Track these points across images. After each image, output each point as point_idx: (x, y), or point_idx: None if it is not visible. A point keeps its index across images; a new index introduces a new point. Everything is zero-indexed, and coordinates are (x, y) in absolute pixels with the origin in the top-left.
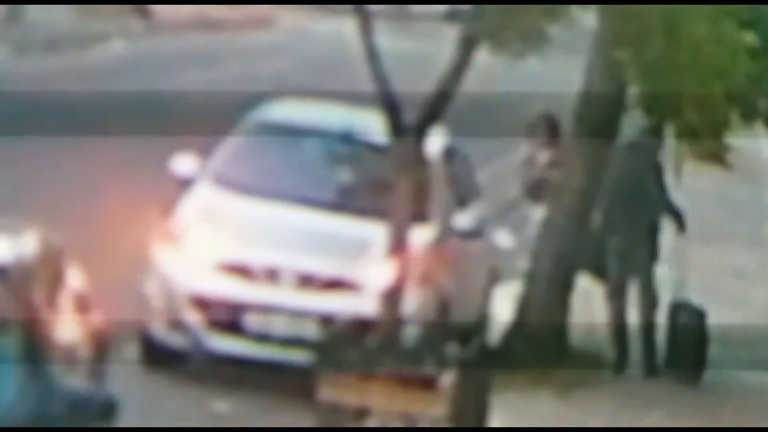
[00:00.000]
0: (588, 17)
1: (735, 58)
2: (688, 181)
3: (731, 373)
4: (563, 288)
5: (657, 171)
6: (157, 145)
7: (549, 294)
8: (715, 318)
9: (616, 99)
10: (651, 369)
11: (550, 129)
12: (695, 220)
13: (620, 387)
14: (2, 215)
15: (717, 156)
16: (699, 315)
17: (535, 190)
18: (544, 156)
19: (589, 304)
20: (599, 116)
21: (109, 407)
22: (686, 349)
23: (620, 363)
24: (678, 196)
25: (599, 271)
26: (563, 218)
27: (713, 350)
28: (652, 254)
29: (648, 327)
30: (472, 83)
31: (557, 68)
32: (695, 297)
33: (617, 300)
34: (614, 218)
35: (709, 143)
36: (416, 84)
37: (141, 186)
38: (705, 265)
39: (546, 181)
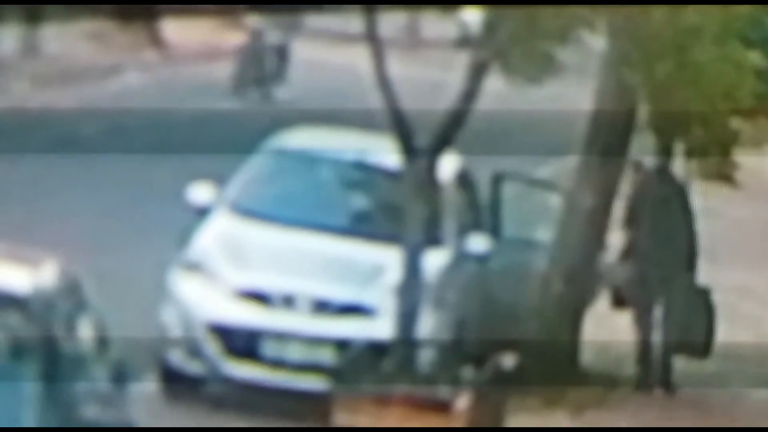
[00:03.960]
0: (597, 40)
1: (741, 77)
2: (695, 200)
3: (744, 392)
4: (576, 308)
5: (682, 196)
6: (174, 172)
7: (562, 314)
8: (724, 337)
9: (626, 119)
10: (668, 387)
11: None
12: (703, 239)
13: (634, 407)
14: (20, 244)
15: (725, 175)
16: (704, 291)
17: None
18: None
19: (603, 322)
20: (610, 136)
21: None
22: (695, 324)
23: (644, 382)
24: None
25: (620, 296)
26: (575, 238)
27: (724, 368)
28: (688, 282)
29: (667, 347)
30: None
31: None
32: None
33: (644, 323)
34: (645, 247)
35: (717, 162)
36: (428, 110)
37: (159, 213)
38: (713, 284)
39: None
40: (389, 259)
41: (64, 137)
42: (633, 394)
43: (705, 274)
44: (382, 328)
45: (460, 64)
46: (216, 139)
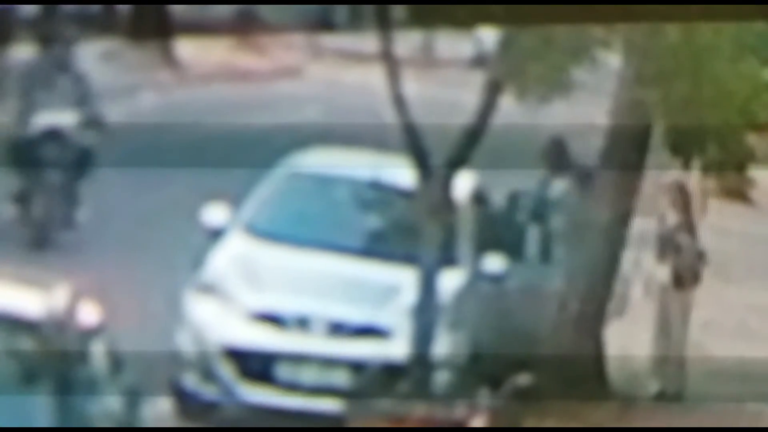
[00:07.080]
0: (611, 58)
1: (757, 94)
2: (711, 218)
3: (761, 409)
4: (593, 327)
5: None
6: (188, 191)
7: (579, 333)
8: (738, 355)
9: (642, 137)
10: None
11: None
12: (719, 257)
13: (655, 424)
14: (33, 267)
15: (740, 192)
16: None
17: (662, 249)
18: (673, 217)
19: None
20: (626, 154)
21: None
22: None
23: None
24: (702, 233)
25: None
26: (591, 257)
27: (738, 386)
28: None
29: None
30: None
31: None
32: (719, 334)
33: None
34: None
35: (732, 179)
36: (443, 129)
37: (172, 235)
38: (729, 302)
39: (675, 243)
40: (404, 279)
41: None
42: (652, 412)
43: (718, 292)
44: (397, 349)
45: (475, 83)
46: (231, 158)
